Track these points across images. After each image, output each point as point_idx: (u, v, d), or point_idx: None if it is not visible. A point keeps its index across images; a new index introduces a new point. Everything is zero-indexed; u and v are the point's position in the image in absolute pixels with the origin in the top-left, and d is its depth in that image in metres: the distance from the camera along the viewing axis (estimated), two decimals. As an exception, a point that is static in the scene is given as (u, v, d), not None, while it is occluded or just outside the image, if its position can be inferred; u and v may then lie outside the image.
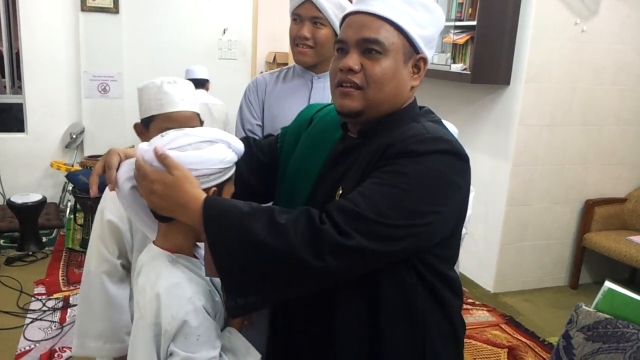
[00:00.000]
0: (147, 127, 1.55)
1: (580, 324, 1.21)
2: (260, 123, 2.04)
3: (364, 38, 1.09)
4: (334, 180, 1.18)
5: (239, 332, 1.19)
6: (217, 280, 1.19)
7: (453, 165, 1.06)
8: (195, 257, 1.20)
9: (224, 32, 5.50)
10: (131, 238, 1.59)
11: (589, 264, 4.12)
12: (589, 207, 3.99)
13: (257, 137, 2.02)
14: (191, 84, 1.60)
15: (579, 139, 3.88)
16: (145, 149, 1.10)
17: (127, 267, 1.63)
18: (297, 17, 1.87)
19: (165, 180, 1.04)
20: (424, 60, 1.14)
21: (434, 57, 3.75)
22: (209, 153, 1.10)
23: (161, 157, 1.06)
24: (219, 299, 1.16)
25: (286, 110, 1.96)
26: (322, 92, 2.00)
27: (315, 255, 0.94)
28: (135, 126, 1.61)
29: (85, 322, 1.64)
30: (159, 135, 1.13)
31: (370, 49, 1.08)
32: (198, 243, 1.23)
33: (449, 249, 1.16)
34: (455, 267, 1.22)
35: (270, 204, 1.40)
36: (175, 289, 1.07)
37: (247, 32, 5.60)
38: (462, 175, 1.08)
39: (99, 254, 1.60)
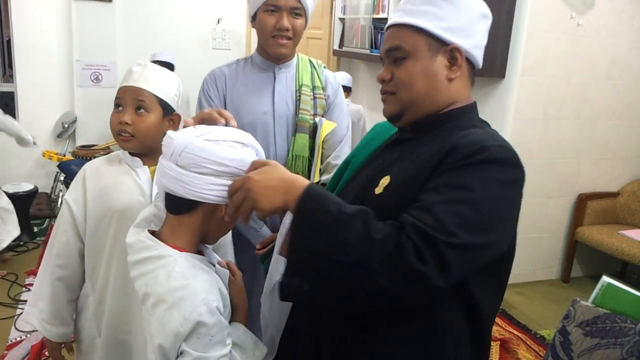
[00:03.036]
0: None
1: (578, 319, 1.20)
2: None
3: (387, 48, 1.18)
4: (380, 166, 1.20)
5: (245, 327, 1.19)
6: (223, 271, 1.20)
7: (513, 180, 1.04)
8: (200, 253, 1.18)
9: (218, 22, 5.46)
10: (84, 223, 1.59)
11: (581, 257, 4.14)
12: (582, 201, 4.00)
13: None
14: (166, 72, 1.60)
15: (572, 133, 3.89)
16: (173, 137, 1.09)
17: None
18: (274, 7, 1.81)
19: (267, 168, 1.08)
20: (458, 50, 1.13)
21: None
22: (241, 153, 1.11)
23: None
24: (226, 292, 1.15)
25: (251, 105, 1.91)
26: (284, 82, 1.95)
27: (386, 274, 0.92)
28: None
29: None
30: (191, 127, 1.12)
31: (396, 57, 1.15)
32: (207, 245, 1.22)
33: (499, 274, 1.15)
34: None
35: None
36: (188, 290, 1.04)
37: (241, 22, 5.56)
38: (519, 190, 1.07)
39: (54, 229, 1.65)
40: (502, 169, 1.02)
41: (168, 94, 1.58)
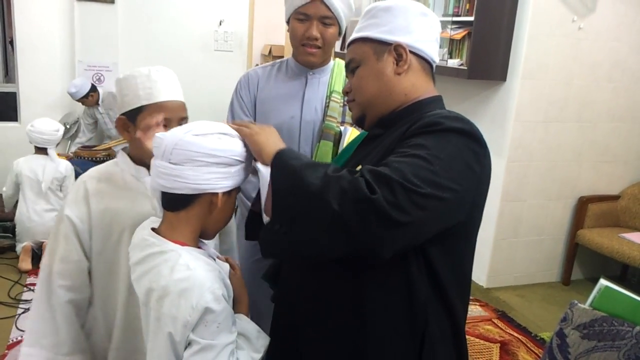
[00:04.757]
0: (134, 120, 1.39)
1: (576, 322, 1.21)
2: (251, 120, 1.96)
3: (345, 65, 1.35)
4: (355, 162, 1.29)
5: (247, 317, 1.22)
6: (223, 265, 1.23)
7: (469, 147, 1.10)
8: (199, 247, 1.20)
9: (220, 24, 5.47)
10: (89, 239, 1.43)
11: (581, 260, 4.15)
12: (583, 204, 4.01)
13: None
14: (171, 74, 1.45)
15: (573, 135, 3.90)
16: (162, 137, 1.12)
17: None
18: (303, 16, 1.80)
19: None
20: (401, 46, 1.24)
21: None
22: (230, 143, 1.15)
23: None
24: (229, 283, 1.19)
25: (280, 107, 1.92)
26: (316, 87, 1.94)
27: (338, 201, 0.97)
28: (118, 121, 1.42)
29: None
30: (177, 127, 1.17)
31: (352, 69, 1.31)
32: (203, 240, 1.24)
33: (461, 243, 1.18)
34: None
35: None
36: (193, 280, 1.07)
37: (243, 24, 5.57)
38: (477, 159, 1.11)
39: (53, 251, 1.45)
40: (458, 136, 1.09)
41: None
